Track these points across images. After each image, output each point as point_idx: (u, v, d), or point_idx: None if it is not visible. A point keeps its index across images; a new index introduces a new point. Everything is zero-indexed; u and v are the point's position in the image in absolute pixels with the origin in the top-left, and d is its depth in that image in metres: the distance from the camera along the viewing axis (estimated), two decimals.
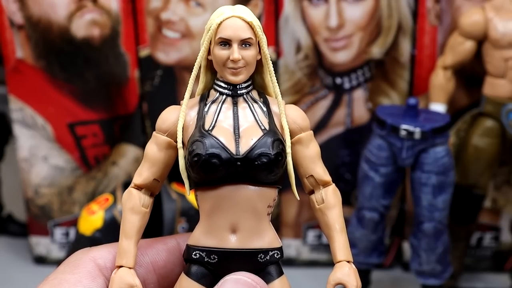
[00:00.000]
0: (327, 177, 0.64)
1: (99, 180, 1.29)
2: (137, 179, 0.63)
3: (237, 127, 0.61)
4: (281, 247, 0.62)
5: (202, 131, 0.60)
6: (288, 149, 0.62)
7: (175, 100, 1.22)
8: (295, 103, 1.22)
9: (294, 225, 1.31)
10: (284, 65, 1.20)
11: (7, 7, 1.18)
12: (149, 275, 0.64)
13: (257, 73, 0.64)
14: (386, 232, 1.23)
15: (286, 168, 0.62)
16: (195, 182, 0.61)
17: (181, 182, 1.21)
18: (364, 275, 1.18)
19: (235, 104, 0.62)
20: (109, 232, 1.12)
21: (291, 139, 0.63)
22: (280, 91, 0.63)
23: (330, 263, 1.47)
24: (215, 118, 0.61)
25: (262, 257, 0.61)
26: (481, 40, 1.13)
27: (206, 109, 0.62)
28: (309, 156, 0.63)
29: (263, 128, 0.61)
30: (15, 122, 1.25)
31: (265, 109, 0.63)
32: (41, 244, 1.34)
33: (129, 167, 1.28)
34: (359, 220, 1.14)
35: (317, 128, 1.25)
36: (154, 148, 0.63)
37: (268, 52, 0.62)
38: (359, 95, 1.22)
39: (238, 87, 0.63)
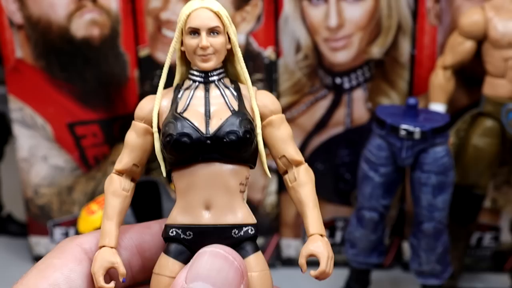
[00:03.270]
0: (299, 157, 0.66)
1: (99, 180, 1.29)
2: (118, 165, 0.66)
3: (208, 110, 0.64)
4: (256, 224, 0.64)
5: (174, 114, 0.64)
6: (258, 130, 0.65)
7: None
8: (294, 103, 1.22)
9: (294, 225, 1.31)
10: (283, 65, 1.20)
11: (6, 7, 1.18)
12: (134, 257, 0.66)
13: (229, 62, 0.68)
14: (386, 232, 1.23)
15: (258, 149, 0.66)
16: (170, 162, 0.64)
17: None
18: (364, 275, 1.18)
19: (207, 90, 0.66)
20: None
21: (262, 122, 0.66)
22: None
23: None
24: (187, 103, 0.65)
25: (236, 233, 0.63)
26: (481, 40, 1.13)
27: (179, 95, 0.66)
28: (280, 137, 0.66)
29: (232, 109, 0.64)
30: (14, 122, 1.25)
31: (235, 93, 0.66)
32: (40, 244, 1.34)
33: None
34: (359, 220, 1.14)
35: (317, 128, 1.25)
36: (133, 135, 0.66)
37: (236, 40, 0.66)
38: (359, 95, 1.22)
39: (210, 74, 0.66)
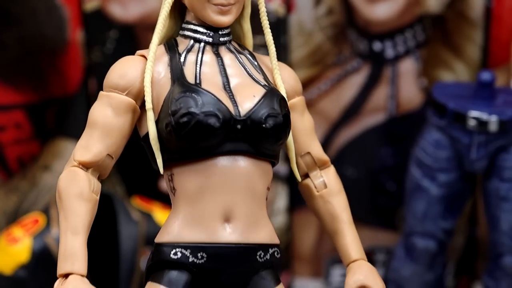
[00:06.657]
0: (325, 156, 0.71)
1: (25, 192, 1.29)
2: (84, 155, 0.66)
3: (226, 82, 0.66)
4: (279, 244, 0.67)
5: (187, 84, 0.64)
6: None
7: None
8: (313, 79, 1.22)
9: (312, 258, 1.31)
10: (297, 23, 1.20)
11: None
12: None
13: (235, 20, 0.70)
14: (448, 269, 1.23)
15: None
16: (175, 155, 0.64)
17: (146, 195, 1.21)
18: None
19: (217, 54, 0.67)
20: (40, 269, 1.12)
21: None
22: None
23: None
24: (198, 70, 0.66)
25: (261, 256, 0.65)
26: None
27: (182, 59, 0.66)
28: (305, 128, 0.70)
29: (262, 84, 0.66)
30: None
31: (255, 62, 0.68)
32: None
33: None
34: (408, 251, 1.14)
35: (347, 116, 1.25)
36: (108, 112, 0.66)
37: None
38: (408, 67, 1.23)
39: (220, 33, 0.68)
